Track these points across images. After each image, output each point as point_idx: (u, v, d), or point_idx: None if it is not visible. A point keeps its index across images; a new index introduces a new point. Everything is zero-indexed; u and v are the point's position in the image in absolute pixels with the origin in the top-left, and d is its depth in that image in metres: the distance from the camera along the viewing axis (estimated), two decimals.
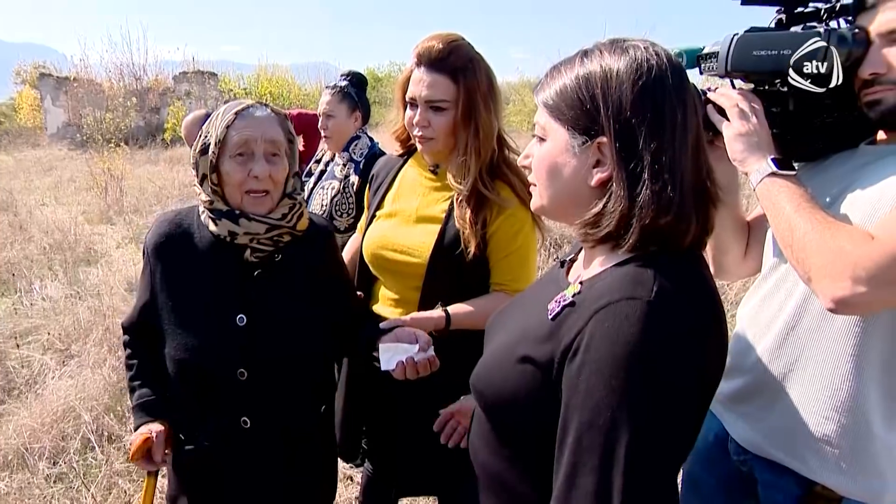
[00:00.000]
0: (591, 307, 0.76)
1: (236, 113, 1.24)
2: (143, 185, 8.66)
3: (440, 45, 1.43)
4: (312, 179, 2.62)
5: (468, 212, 1.43)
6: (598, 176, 0.79)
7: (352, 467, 2.57)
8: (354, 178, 2.41)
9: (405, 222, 1.55)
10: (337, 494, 2.45)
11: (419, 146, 1.54)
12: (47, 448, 2.66)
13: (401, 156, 1.69)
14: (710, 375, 0.77)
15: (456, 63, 1.44)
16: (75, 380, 3.16)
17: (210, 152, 1.25)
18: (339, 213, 2.40)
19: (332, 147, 2.57)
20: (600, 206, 0.79)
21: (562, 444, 0.75)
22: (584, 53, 0.81)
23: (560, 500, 0.74)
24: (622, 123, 0.75)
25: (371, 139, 2.55)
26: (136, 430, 1.34)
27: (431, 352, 1.27)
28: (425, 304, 1.49)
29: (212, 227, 1.28)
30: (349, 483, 2.56)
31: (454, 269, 1.46)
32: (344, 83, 2.55)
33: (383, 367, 1.25)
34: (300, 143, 2.75)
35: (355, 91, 2.56)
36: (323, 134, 2.54)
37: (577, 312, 0.79)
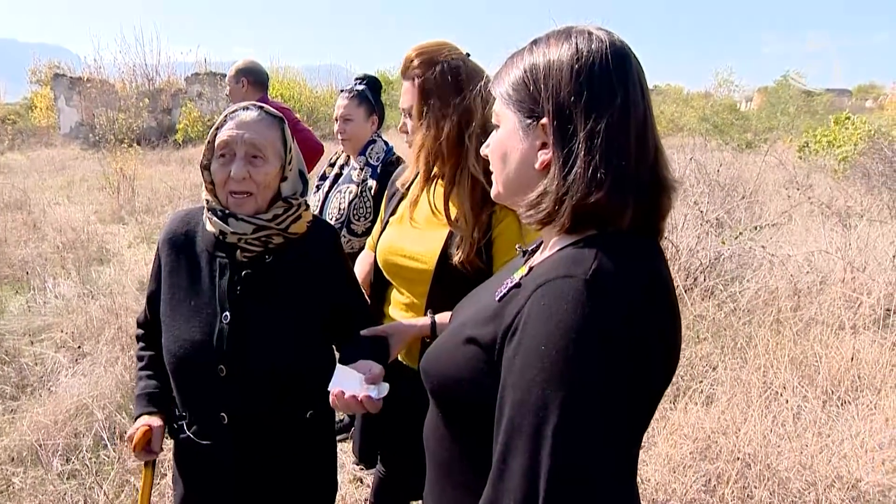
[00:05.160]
0: (532, 286, 0.77)
1: (227, 115, 1.28)
2: (154, 185, 8.73)
3: (412, 54, 1.45)
4: (327, 183, 2.63)
5: (459, 210, 1.43)
6: (542, 158, 0.80)
7: (362, 469, 2.57)
8: (372, 182, 2.43)
9: (416, 229, 1.56)
10: (347, 496, 2.48)
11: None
12: (60, 445, 2.68)
13: None
14: (646, 359, 0.73)
15: (417, 68, 1.45)
16: (88, 378, 3.19)
17: (203, 153, 1.30)
18: (356, 216, 2.42)
19: (349, 151, 2.59)
20: (542, 187, 0.80)
21: (498, 425, 0.74)
22: (534, 42, 0.85)
23: (493, 482, 0.73)
24: (559, 105, 0.78)
25: (386, 143, 2.57)
26: (135, 419, 1.38)
27: (374, 391, 1.20)
28: (431, 310, 1.49)
29: (208, 225, 1.32)
30: (359, 485, 2.56)
31: (460, 276, 1.46)
32: (361, 87, 2.56)
33: (329, 387, 1.21)
34: None
35: (372, 95, 2.57)
36: (340, 138, 2.56)
37: (521, 293, 0.79)
